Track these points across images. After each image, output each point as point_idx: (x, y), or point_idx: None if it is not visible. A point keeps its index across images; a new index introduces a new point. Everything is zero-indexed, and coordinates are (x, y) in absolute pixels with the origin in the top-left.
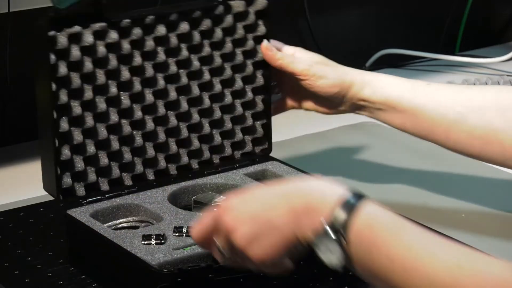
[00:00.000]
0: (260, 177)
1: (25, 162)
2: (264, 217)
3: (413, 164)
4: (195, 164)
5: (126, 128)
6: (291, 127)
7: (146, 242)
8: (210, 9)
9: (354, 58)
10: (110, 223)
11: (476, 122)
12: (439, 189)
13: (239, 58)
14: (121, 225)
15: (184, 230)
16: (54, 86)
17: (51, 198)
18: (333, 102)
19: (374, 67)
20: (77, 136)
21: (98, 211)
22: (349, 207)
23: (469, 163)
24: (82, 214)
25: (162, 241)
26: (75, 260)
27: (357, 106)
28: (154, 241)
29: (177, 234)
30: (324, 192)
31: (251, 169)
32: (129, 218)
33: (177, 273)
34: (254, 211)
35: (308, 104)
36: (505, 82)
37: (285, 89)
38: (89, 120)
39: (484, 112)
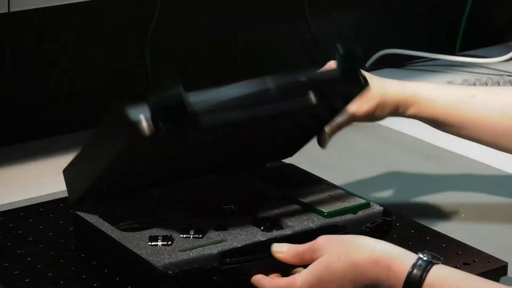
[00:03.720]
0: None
1: (25, 162)
2: None
3: (413, 164)
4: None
5: None
6: None
7: (152, 244)
8: None
9: None
10: (119, 224)
11: None
12: (439, 189)
13: None
14: (130, 225)
15: (191, 232)
16: None
17: (51, 198)
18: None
19: (374, 67)
20: None
21: (108, 211)
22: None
23: (469, 163)
24: (90, 214)
25: (169, 243)
26: (83, 261)
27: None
28: (161, 242)
29: (184, 236)
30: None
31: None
32: (137, 220)
33: (181, 275)
34: None
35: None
36: (505, 82)
37: None
38: None
39: None
